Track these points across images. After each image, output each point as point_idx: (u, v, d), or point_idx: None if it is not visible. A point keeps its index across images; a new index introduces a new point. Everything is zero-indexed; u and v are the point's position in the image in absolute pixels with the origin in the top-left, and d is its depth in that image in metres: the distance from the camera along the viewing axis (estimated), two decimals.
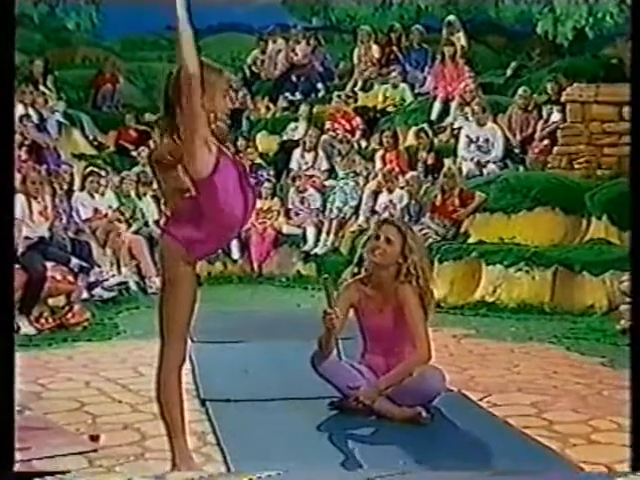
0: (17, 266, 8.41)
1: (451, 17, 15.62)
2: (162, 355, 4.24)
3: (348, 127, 14.09)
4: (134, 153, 13.94)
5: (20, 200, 9.09)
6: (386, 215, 11.04)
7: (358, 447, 4.79)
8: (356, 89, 15.29)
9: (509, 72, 15.36)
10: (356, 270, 5.57)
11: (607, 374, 6.65)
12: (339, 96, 14.59)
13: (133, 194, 12.20)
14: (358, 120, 14.23)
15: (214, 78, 4.17)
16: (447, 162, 12.35)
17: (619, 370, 6.70)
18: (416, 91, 15.00)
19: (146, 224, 11.91)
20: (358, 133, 14.08)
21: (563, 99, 11.76)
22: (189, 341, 8.05)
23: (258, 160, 13.81)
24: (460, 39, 15.01)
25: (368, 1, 18.28)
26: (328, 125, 14.14)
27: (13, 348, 4.06)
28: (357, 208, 12.38)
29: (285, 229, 12.73)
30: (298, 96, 15.72)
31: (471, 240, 10.64)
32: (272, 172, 13.71)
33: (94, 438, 4.90)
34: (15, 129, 9.66)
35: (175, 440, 4.23)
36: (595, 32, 14.63)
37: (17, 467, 4.32)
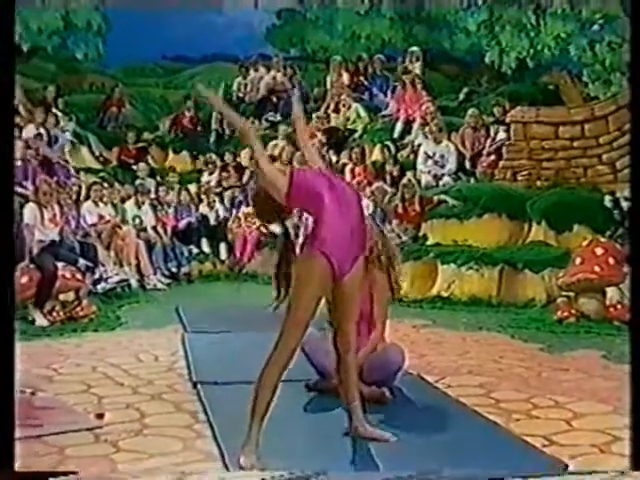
0: (32, 266, 8.46)
1: (413, 48, 15.72)
2: (276, 350, 4.14)
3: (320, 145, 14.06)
4: (134, 167, 13.94)
5: (33, 208, 9.08)
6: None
7: (334, 424, 4.76)
8: (329, 111, 15.29)
9: (461, 96, 15.48)
10: None
11: (545, 358, 6.68)
12: (312, 117, 14.55)
13: (133, 203, 12.17)
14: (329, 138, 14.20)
15: None
16: (408, 174, 12.38)
17: (556, 355, 6.78)
18: (381, 113, 15.03)
19: (144, 229, 11.88)
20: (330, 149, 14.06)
21: (508, 120, 11.79)
22: (184, 331, 8.05)
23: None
24: (416, 68, 15.12)
25: (339, 34, 18.35)
26: None
27: (13, 349, 3.99)
28: None
29: (268, 232, 12.66)
30: (278, 117, 15.71)
31: (429, 242, 10.66)
32: None
33: (99, 416, 4.90)
34: (14, 141, 9.58)
35: (253, 425, 4.07)
36: (535, 62, 14.73)
37: (30, 443, 4.31)
